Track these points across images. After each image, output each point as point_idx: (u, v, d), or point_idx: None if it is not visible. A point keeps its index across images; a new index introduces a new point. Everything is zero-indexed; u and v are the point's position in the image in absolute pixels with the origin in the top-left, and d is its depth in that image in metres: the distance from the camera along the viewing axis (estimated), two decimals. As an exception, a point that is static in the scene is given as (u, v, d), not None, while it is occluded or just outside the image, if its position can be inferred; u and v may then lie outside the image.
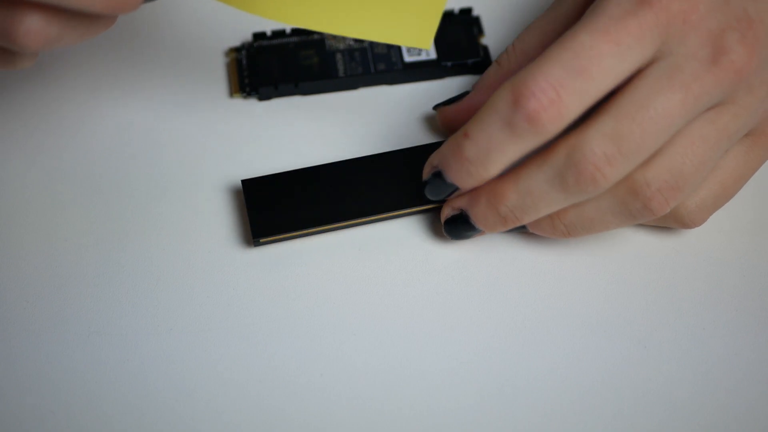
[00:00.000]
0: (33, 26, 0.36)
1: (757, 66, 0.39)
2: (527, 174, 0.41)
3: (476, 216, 0.43)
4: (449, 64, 0.49)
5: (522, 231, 0.44)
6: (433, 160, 0.43)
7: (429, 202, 0.44)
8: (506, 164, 0.40)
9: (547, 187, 0.40)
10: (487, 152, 0.40)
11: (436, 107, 0.48)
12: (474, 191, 0.43)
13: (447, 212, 0.44)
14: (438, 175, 0.42)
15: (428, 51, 0.50)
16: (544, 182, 0.40)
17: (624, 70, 0.39)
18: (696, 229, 0.45)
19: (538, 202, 0.41)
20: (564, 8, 0.44)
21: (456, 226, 0.44)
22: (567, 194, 0.40)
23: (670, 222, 0.43)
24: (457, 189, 0.42)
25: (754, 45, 0.39)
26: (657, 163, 0.40)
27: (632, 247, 0.45)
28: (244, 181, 0.45)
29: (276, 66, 0.49)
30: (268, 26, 0.50)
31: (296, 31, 0.50)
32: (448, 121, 0.47)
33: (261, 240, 0.44)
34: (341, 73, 0.49)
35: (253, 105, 0.49)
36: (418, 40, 0.43)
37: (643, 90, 0.39)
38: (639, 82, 0.39)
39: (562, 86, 0.38)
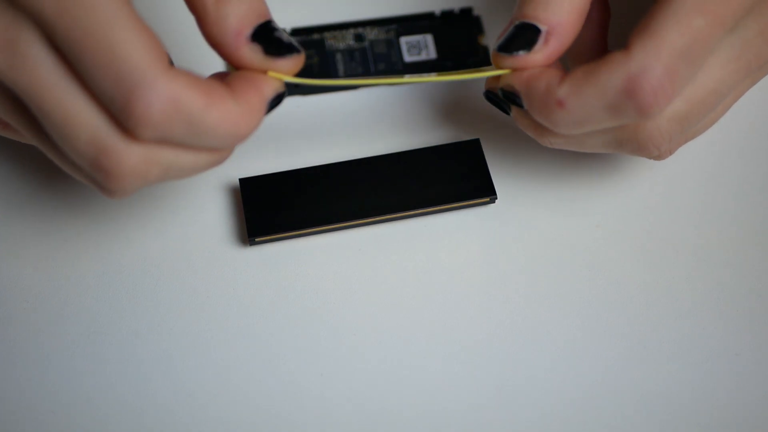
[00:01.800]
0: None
1: None
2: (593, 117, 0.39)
3: (531, 106, 0.40)
4: (449, 64, 0.49)
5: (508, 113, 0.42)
6: (516, 86, 0.40)
7: (427, 205, 0.44)
8: None
9: (606, 116, 0.39)
10: (580, 123, 0.39)
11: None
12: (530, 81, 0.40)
13: (497, 85, 0.41)
14: (513, 95, 0.40)
15: (428, 51, 0.50)
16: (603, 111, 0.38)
17: None
18: (696, 228, 0.45)
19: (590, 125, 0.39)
20: None
21: (502, 101, 0.42)
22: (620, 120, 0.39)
23: (635, 146, 0.41)
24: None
25: None
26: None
27: (632, 247, 0.45)
28: (241, 180, 0.45)
29: (276, 66, 0.49)
30: (268, 26, 0.50)
31: (296, 31, 0.50)
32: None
33: (256, 239, 0.44)
34: (341, 73, 0.49)
35: (253, 105, 0.49)
36: None
37: (719, 71, 0.39)
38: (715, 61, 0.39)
39: (676, 77, 0.37)
